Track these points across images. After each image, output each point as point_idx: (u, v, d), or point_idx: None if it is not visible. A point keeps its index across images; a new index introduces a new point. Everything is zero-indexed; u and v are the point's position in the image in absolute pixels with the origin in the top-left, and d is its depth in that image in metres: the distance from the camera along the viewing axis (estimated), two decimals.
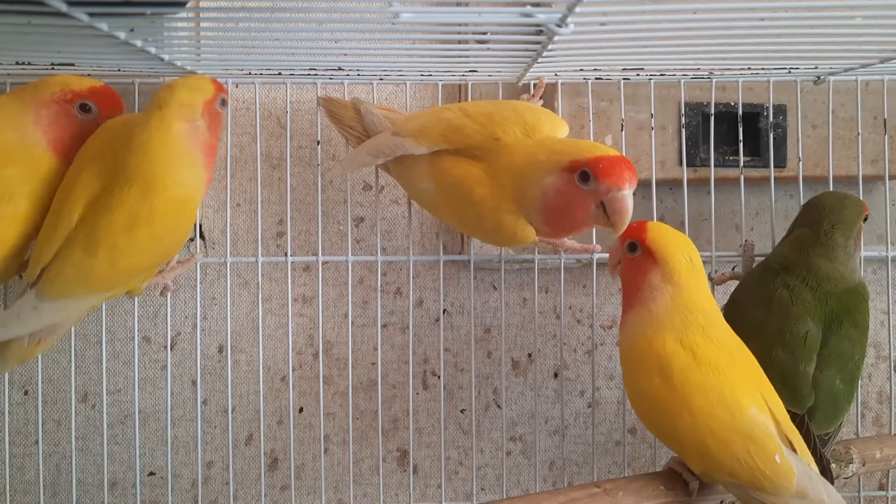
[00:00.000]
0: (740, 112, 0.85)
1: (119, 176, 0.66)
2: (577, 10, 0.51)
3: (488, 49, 0.72)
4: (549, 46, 0.65)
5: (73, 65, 0.74)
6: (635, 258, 0.68)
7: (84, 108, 0.72)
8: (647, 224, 0.69)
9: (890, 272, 0.87)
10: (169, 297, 0.82)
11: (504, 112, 0.71)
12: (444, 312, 0.92)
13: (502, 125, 0.70)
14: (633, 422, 0.93)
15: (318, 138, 0.85)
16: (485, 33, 0.69)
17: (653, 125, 0.85)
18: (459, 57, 0.76)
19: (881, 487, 0.88)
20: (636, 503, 0.65)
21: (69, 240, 0.67)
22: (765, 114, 0.86)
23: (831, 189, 0.84)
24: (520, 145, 0.69)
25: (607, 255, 0.75)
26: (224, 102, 0.72)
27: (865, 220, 0.77)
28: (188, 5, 0.62)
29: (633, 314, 0.68)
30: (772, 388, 0.66)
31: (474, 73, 0.81)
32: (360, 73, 0.80)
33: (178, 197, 0.68)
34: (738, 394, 0.64)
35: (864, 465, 0.73)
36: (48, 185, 0.71)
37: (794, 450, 0.63)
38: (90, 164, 0.69)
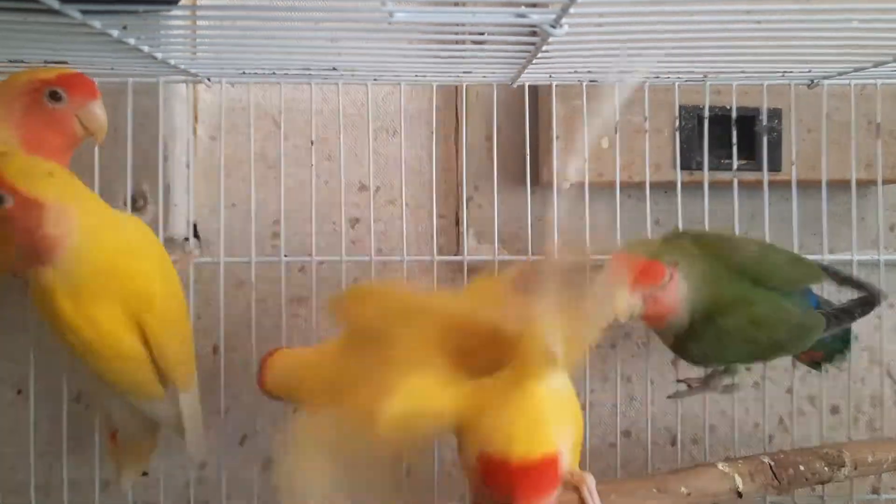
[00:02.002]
0: (734, 115, 0.85)
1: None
2: (572, 10, 0.51)
3: (482, 50, 0.72)
4: (544, 48, 0.65)
5: (66, 63, 0.74)
6: None
7: (54, 95, 0.69)
8: None
9: (883, 276, 0.87)
10: None
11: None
12: None
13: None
14: (628, 424, 0.93)
15: (313, 138, 0.85)
16: (481, 34, 0.69)
17: (647, 128, 0.85)
18: (454, 58, 0.76)
19: (874, 491, 0.88)
20: None
21: (157, 358, 0.70)
22: (760, 117, 0.86)
23: (825, 192, 0.84)
24: None
25: (602, 256, 0.74)
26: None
27: None
28: (182, 3, 0.62)
29: None
30: None
31: (469, 75, 0.81)
32: (355, 73, 0.80)
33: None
34: None
35: (855, 468, 0.73)
36: None
37: None
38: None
